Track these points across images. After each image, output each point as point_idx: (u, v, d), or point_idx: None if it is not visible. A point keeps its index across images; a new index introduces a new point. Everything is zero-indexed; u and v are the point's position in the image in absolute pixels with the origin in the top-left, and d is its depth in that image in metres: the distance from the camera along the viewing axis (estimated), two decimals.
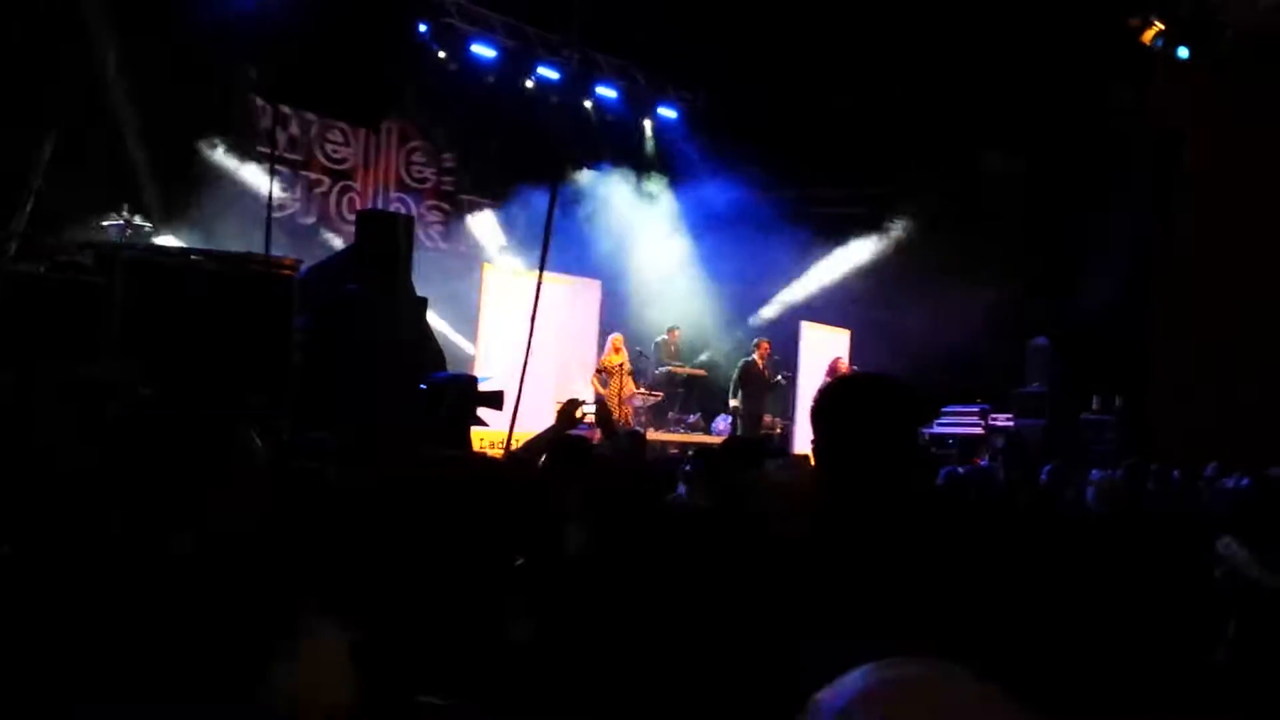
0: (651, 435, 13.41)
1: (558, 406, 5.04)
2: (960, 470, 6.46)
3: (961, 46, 14.84)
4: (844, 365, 14.74)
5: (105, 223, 10.08)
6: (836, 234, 15.73)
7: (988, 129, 15.29)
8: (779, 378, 14.62)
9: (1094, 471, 6.93)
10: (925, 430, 14.73)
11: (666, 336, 15.18)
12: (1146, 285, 15.15)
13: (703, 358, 16.43)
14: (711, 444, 13.78)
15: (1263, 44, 14.88)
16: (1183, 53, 13.65)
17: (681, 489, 6.09)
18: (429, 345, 10.05)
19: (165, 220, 11.30)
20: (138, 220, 10.05)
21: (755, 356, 14.25)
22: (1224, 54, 14.31)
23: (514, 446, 8.27)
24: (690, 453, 9.46)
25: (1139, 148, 14.40)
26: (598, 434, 6.89)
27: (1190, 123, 14.83)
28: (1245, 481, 8.02)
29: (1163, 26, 13.02)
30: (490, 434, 10.56)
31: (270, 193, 9.86)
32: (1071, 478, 6.74)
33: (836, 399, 2.10)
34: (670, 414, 15.44)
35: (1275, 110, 15.08)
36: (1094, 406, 14.64)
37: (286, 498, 3.57)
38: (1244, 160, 15.16)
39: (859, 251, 16.86)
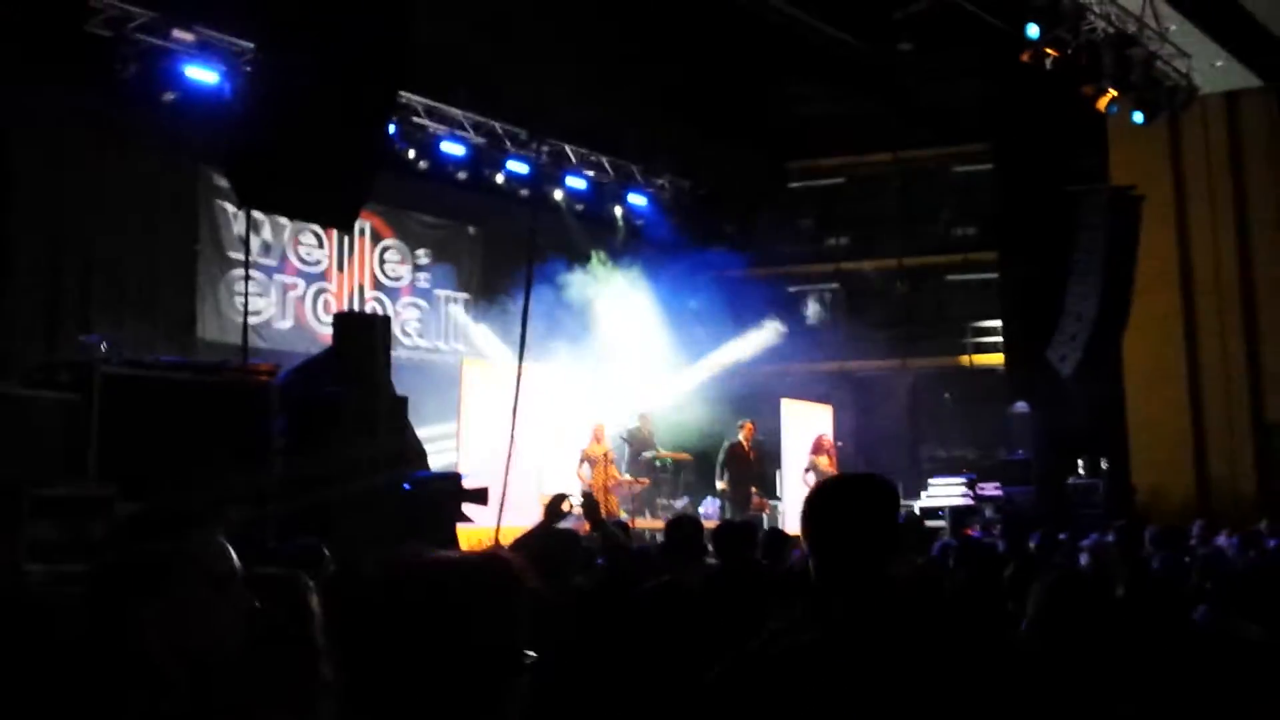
0: (640, 523, 13.30)
1: (543, 501, 5.01)
2: (954, 543, 6.41)
3: (931, 121, 15.12)
4: (828, 441, 14.69)
5: (81, 337, 10.03)
6: (814, 310, 15.82)
7: (956, 199, 15.51)
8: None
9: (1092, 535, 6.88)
10: (915, 503, 14.67)
11: (639, 423, 15.10)
12: (1116, 345, 15.22)
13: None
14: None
15: (1217, 104, 15.23)
16: (1138, 118, 13.89)
17: None
18: (410, 444, 9.98)
19: (143, 332, 11.26)
20: (113, 334, 10.02)
21: (740, 438, 14.18)
22: (1179, 114, 14.60)
23: (502, 543, 8.18)
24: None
25: (1098, 209, 14.59)
26: (586, 526, 6.83)
27: (1147, 182, 15.06)
28: (1235, 541, 8.00)
29: (1116, 93, 13.25)
30: (476, 531, 10.43)
31: (246, 299, 9.87)
32: (1060, 544, 6.68)
33: (817, 506, 2.35)
34: (659, 500, 15.33)
35: (1232, 166, 15.39)
36: (1079, 471, 14.63)
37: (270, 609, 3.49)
38: (1195, 217, 15.44)
39: (837, 326, 16.96)
